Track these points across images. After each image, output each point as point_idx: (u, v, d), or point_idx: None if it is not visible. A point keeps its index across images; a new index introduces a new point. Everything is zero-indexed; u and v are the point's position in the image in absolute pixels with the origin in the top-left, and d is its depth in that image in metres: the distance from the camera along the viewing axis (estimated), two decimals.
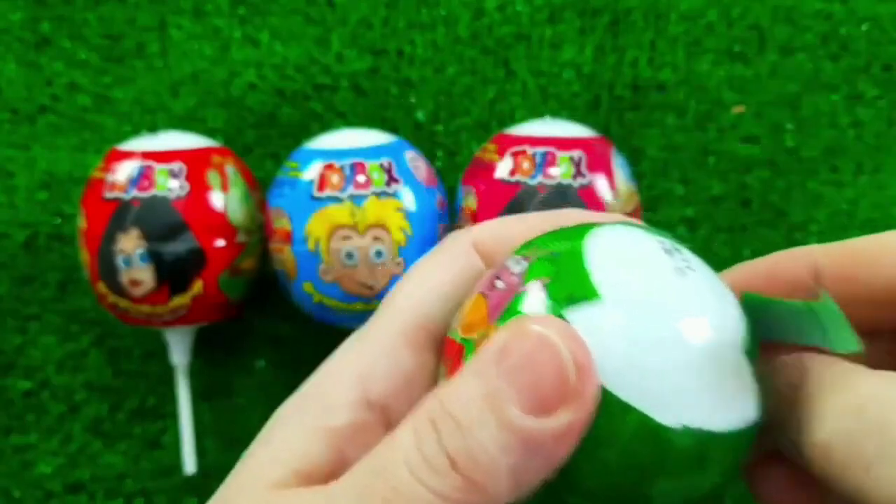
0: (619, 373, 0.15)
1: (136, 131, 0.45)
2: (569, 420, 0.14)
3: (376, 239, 0.36)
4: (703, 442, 0.15)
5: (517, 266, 0.17)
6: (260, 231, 0.40)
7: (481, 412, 0.14)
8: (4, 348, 0.45)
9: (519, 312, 0.16)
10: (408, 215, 0.37)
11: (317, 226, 0.36)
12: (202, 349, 0.44)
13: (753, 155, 0.44)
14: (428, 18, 0.44)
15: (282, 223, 0.37)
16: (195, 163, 0.38)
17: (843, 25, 0.43)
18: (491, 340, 0.15)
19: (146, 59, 0.45)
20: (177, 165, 0.38)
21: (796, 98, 0.44)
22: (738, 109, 0.44)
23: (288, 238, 0.37)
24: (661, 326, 0.15)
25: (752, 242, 0.43)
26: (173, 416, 0.44)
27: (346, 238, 0.36)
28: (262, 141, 0.45)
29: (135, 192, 0.37)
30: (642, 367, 0.15)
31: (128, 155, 0.38)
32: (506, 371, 0.15)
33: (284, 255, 0.37)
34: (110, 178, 0.38)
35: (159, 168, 0.37)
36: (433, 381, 0.18)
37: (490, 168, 0.38)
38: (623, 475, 0.15)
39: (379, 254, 0.36)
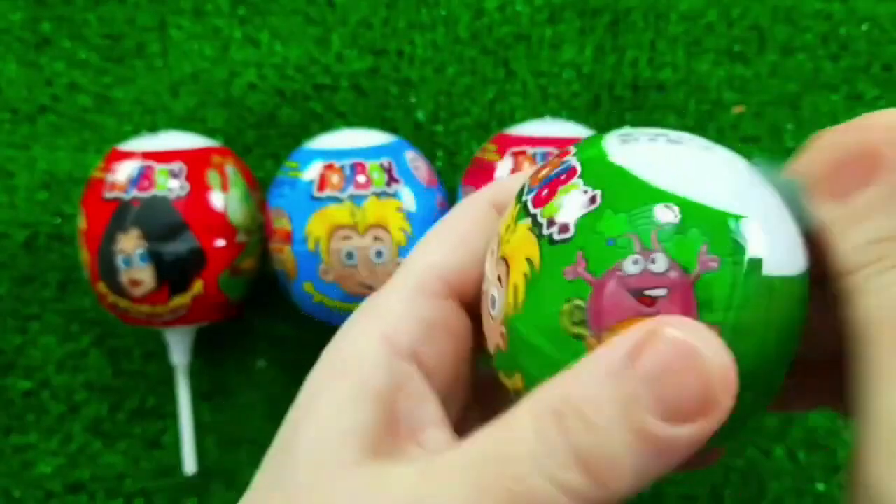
0: (771, 255, 0.16)
1: (136, 131, 0.45)
2: (704, 429, 0.14)
3: (377, 239, 0.36)
4: (803, 283, 0.17)
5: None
6: (260, 231, 0.40)
7: (615, 414, 0.14)
8: (5, 348, 0.45)
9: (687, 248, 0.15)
10: (408, 215, 0.37)
11: (317, 226, 0.36)
12: (202, 349, 0.44)
13: (753, 155, 0.44)
14: (428, 18, 0.44)
15: (282, 223, 0.37)
16: (195, 163, 0.38)
17: (843, 25, 0.43)
18: (622, 338, 0.15)
19: (146, 59, 0.45)
20: (177, 165, 0.38)
21: (796, 98, 0.44)
22: (738, 109, 0.44)
23: (288, 238, 0.37)
24: (766, 203, 0.17)
25: None
26: (173, 416, 0.44)
27: (347, 238, 0.36)
28: (263, 141, 0.45)
29: (135, 192, 0.37)
30: (775, 241, 0.16)
31: (128, 155, 0.38)
32: (643, 376, 0.14)
33: (284, 255, 0.37)
34: (110, 178, 0.38)
35: (159, 168, 0.37)
36: (454, 326, 0.19)
37: (490, 168, 0.38)
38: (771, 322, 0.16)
39: (379, 254, 0.36)
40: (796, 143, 0.44)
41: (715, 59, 0.44)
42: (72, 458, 0.45)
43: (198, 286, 0.38)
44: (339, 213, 0.36)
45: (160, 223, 0.37)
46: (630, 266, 0.15)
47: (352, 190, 0.36)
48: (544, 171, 0.18)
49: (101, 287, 0.38)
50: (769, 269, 0.16)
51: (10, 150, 0.45)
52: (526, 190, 0.18)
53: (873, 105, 0.43)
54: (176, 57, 0.45)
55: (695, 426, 0.14)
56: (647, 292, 0.15)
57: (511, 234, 0.18)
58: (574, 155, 0.18)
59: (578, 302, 0.16)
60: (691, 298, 0.15)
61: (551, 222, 0.17)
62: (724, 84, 0.44)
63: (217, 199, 0.38)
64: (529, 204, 0.17)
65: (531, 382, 0.17)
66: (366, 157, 0.37)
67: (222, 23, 0.45)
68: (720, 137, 0.44)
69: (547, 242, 0.16)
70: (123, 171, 0.38)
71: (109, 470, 0.45)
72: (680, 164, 0.17)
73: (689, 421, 0.14)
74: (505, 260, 0.17)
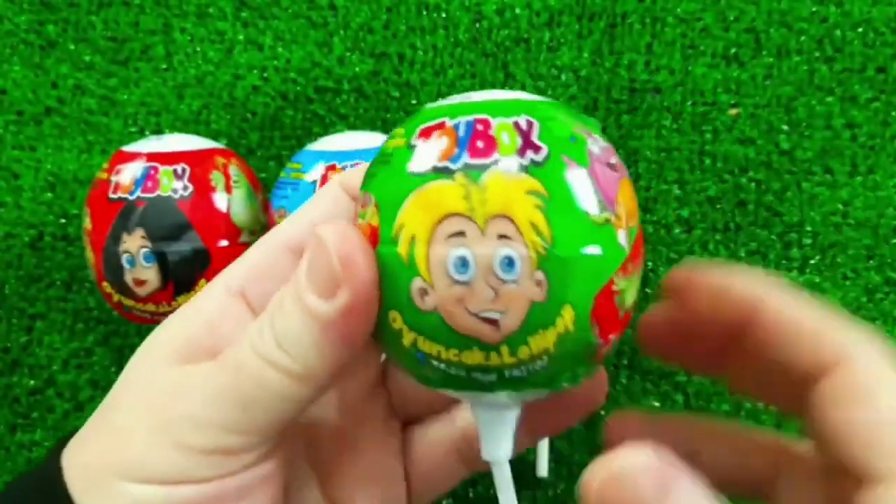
0: None
1: (141, 133, 0.45)
2: (345, 301, 0.18)
3: None
4: None
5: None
6: (263, 231, 0.40)
7: (292, 299, 0.19)
8: (11, 347, 0.45)
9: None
10: None
11: None
12: None
13: (749, 156, 0.44)
14: (428, 22, 0.45)
15: None
16: (199, 164, 0.38)
17: (837, 28, 0.44)
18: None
19: (151, 62, 0.45)
20: (181, 167, 0.38)
21: (791, 100, 0.44)
22: (733, 112, 0.44)
23: None
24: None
25: (747, 243, 0.44)
26: None
27: None
28: (266, 143, 0.45)
29: (139, 193, 0.37)
30: None
31: (133, 156, 0.39)
32: (302, 266, 0.19)
33: None
34: (115, 178, 0.38)
35: (164, 169, 0.38)
36: (285, 270, 0.22)
37: None
38: None
39: None
40: (791, 145, 0.44)
41: (710, 62, 0.44)
42: None
43: (202, 286, 0.38)
44: None
45: (164, 223, 0.37)
46: (594, 148, 0.18)
47: None
48: (451, 139, 0.18)
49: (107, 286, 0.38)
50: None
51: (16, 151, 0.45)
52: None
53: (867, 107, 0.44)
54: (180, 60, 0.45)
55: (338, 299, 0.18)
56: (611, 161, 0.18)
57: (483, 194, 0.17)
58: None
59: (596, 195, 0.17)
60: None
61: (522, 151, 0.17)
62: (719, 86, 0.44)
63: (221, 200, 0.38)
64: (468, 159, 0.18)
65: (584, 299, 0.17)
66: (367, 159, 0.37)
67: (226, 26, 0.45)
68: (716, 139, 0.44)
69: (534, 168, 0.17)
70: (128, 173, 0.38)
71: None
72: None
73: (333, 295, 0.18)
74: (505, 217, 0.17)
